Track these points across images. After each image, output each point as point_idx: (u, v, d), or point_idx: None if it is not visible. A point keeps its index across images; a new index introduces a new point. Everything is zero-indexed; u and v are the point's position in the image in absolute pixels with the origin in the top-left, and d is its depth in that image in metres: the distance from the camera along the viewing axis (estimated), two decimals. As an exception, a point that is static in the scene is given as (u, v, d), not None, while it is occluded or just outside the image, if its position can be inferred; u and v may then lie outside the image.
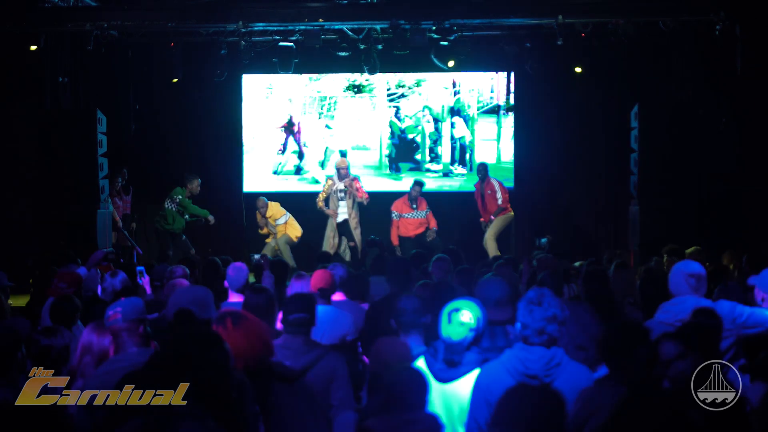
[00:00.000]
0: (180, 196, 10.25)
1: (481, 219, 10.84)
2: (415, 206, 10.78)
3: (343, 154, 11.55)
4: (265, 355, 3.10)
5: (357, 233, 10.66)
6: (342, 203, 10.68)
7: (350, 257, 10.53)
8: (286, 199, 11.16)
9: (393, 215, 10.79)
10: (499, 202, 10.64)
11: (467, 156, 11.96)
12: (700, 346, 3.37)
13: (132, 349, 3.44)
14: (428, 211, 10.88)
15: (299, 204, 11.37)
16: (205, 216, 10.40)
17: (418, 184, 10.84)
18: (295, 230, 10.78)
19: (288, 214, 10.82)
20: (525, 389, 2.57)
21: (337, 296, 5.25)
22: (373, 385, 3.22)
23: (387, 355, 3.29)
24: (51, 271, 6.10)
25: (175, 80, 10.97)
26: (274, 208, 10.79)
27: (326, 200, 10.71)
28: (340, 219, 10.67)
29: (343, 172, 10.67)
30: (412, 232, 10.78)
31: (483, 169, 10.87)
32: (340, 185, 10.66)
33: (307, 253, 10.59)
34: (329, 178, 10.81)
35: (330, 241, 10.64)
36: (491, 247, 10.42)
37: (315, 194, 11.22)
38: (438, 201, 11.18)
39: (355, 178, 10.80)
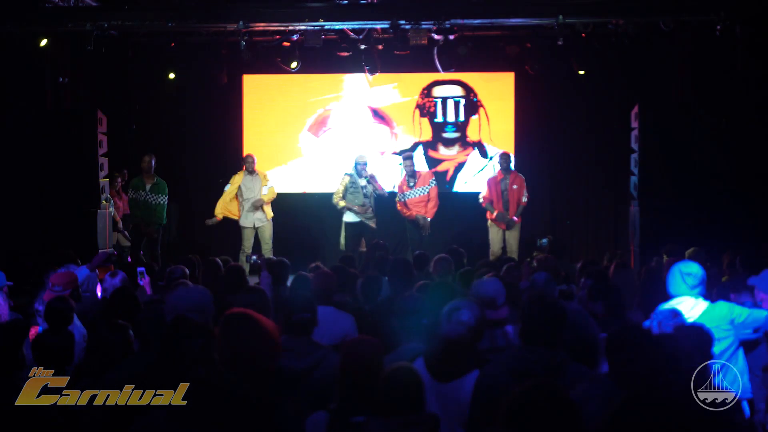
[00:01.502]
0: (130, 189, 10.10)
1: (487, 212, 10.04)
2: (413, 183, 10.14)
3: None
4: (272, 356, 3.06)
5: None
6: (367, 200, 9.98)
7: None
8: (289, 198, 11.16)
9: (398, 197, 10.24)
10: (524, 200, 10.03)
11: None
12: None
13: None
14: (431, 186, 10.16)
15: (301, 203, 11.40)
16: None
17: (406, 158, 10.27)
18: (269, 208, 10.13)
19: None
20: (536, 387, 2.46)
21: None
22: (342, 386, 3.16)
23: (357, 355, 3.24)
24: (50, 271, 6.11)
25: (171, 76, 10.99)
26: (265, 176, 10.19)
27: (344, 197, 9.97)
28: (368, 216, 10.01)
29: (362, 167, 10.00)
30: (416, 211, 10.11)
31: (506, 159, 10.16)
32: (362, 181, 9.97)
33: (307, 252, 10.58)
34: (346, 174, 10.04)
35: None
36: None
37: (314, 195, 11.21)
38: (439, 201, 11.14)
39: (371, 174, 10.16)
